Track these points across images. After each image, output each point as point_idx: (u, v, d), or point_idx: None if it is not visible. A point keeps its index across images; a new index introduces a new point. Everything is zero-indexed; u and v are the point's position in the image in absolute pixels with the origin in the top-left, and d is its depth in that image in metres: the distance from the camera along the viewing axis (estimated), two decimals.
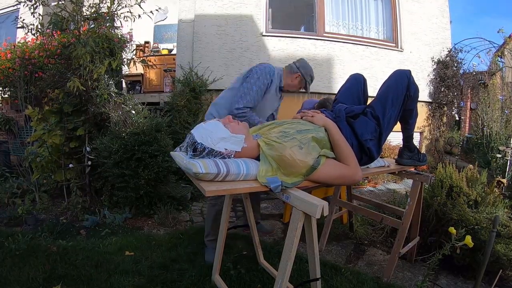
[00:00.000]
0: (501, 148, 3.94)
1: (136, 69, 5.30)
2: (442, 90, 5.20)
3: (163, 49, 6.46)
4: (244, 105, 1.87)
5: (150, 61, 5.06)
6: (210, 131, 1.16)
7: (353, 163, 1.26)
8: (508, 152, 3.71)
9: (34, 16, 2.63)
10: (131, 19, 2.81)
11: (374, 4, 5.16)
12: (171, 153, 1.36)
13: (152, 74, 5.96)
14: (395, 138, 4.45)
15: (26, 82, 3.58)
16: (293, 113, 1.55)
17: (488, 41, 5.20)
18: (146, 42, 6.47)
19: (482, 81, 5.81)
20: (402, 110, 1.51)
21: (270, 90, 1.99)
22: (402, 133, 1.77)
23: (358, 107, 1.53)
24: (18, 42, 4.09)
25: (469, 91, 6.15)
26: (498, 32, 4.83)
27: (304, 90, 2.16)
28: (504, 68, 5.44)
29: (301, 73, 2.07)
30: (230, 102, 1.95)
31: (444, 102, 5.25)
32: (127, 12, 2.78)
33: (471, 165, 2.30)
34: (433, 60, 5.31)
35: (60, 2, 2.65)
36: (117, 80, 3.75)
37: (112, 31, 3.11)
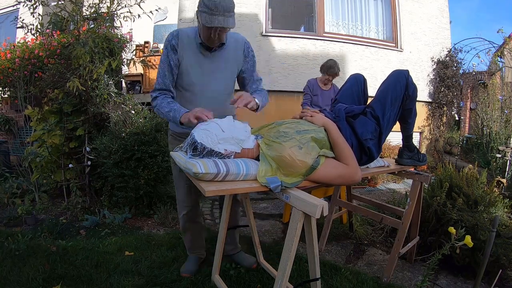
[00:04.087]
0: (500, 148, 3.94)
1: (136, 69, 5.29)
2: (442, 90, 5.20)
3: (162, 49, 6.45)
4: (152, 90, 1.52)
5: (150, 61, 5.06)
6: (210, 131, 1.16)
7: (352, 163, 1.26)
8: (508, 152, 3.71)
9: (33, 16, 2.63)
10: (130, 19, 2.81)
11: (374, 4, 5.16)
12: (171, 153, 1.36)
13: (152, 74, 5.95)
14: (395, 138, 4.45)
15: (25, 82, 3.58)
16: (293, 113, 1.54)
17: (488, 41, 5.20)
18: (146, 42, 6.46)
19: (482, 81, 5.81)
20: (401, 109, 1.52)
21: (185, 54, 1.50)
22: (402, 133, 1.77)
23: (357, 107, 1.53)
24: (18, 42, 4.09)
25: (468, 91, 6.16)
26: (498, 32, 4.83)
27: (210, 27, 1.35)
28: (503, 68, 5.45)
29: (197, 9, 1.38)
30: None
31: (444, 102, 5.25)
32: (127, 12, 2.78)
33: (470, 165, 2.31)
34: (432, 60, 5.31)
35: (59, 2, 2.65)
36: (117, 80, 3.74)
37: (112, 31, 3.11)
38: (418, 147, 4.91)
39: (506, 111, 4.77)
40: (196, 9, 1.38)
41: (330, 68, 3.13)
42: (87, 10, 2.79)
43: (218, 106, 1.53)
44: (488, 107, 5.03)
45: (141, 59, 3.35)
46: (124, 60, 3.21)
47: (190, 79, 1.53)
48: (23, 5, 2.63)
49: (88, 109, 2.76)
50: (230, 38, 1.55)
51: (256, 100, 1.46)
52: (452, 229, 1.15)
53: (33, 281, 1.63)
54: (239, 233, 2.03)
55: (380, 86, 1.56)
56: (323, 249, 2.21)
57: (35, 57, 3.71)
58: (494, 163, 3.98)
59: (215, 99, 1.55)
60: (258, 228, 2.51)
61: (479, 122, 5.24)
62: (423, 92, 5.24)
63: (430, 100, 5.33)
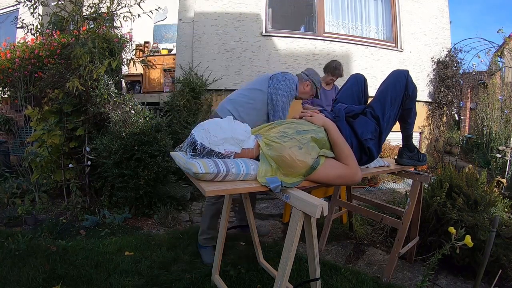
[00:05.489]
0: (500, 148, 3.94)
1: (136, 69, 5.30)
2: (442, 90, 5.20)
3: (162, 49, 6.46)
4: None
5: (149, 61, 5.06)
6: (210, 132, 1.16)
7: (352, 163, 1.26)
8: (508, 152, 3.72)
9: (33, 16, 2.63)
10: (130, 19, 2.80)
11: (374, 4, 5.16)
12: (171, 153, 1.36)
13: (151, 74, 5.96)
14: (395, 138, 4.45)
15: (25, 82, 3.58)
16: (292, 113, 1.55)
17: (488, 41, 5.20)
18: (146, 42, 6.46)
19: (482, 81, 5.81)
20: (401, 109, 1.52)
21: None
22: (402, 132, 1.77)
23: (357, 107, 1.53)
24: (18, 42, 4.08)
25: (468, 91, 6.15)
26: (498, 32, 4.83)
27: (315, 96, 2.25)
28: (503, 68, 5.45)
29: (311, 80, 2.15)
30: (248, 100, 2.00)
31: (443, 102, 5.25)
32: (127, 12, 2.78)
33: (470, 165, 2.31)
34: (432, 60, 5.31)
35: (59, 2, 2.65)
36: (117, 80, 3.74)
37: (112, 31, 3.11)
38: (418, 147, 4.91)
39: (506, 111, 4.77)
40: (308, 78, 2.16)
41: (335, 69, 3.14)
42: (87, 10, 2.79)
43: None
44: (488, 107, 5.03)
45: (141, 59, 3.35)
46: (124, 60, 3.20)
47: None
48: (23, 5, 2.63)
49: (88, 109, 2.76)
50: None
51: None
52: (452, 229, 1.15)
53: (33, 281, 1.63)
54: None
55: (379, 86, 1.56)
56: (323, 249, 2.21)
57: (35, 57, 3.71)
58: (494, 163, 3.98)
59: None
60: (258, 228, 2.51)
61: (479, 122, 5.24)
62: (423, 92, 5.24)
63: (430, 100, 5.33)
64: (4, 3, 5.63)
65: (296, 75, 2.17)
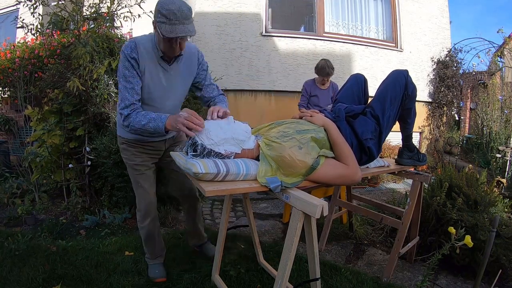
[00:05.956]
0: (500, 148, 3.95)
1: None
2: (442, 90, 5.20)
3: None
4: (121, 108, 1.39)
5: None
6: (211, 132, 1.16)
7: (352, 163, 1.26)
8: (508, 152, 3.72)
9: (34, 16, 2.63)
10: (131, 19, 2.81)
11: (373, 4, 5.16)
12: (171, 153, 1.37)
13: None
14: (394, 138, 4.45)
15: (25, 82, 3.57)
16: (293, 113, 1.55)
17: (488, 41, 5.21)
18: None
19: (482, 81, 5.82)
20: (400, 109, 1.52)
21: (145, 68, 1.43)
22: (401, 132, 1.77)
23: (357, 107, 1.53)
24: (18, 42, 4.09)
25: (468, 91, 6.16)
26: (498, 32, 4.84)
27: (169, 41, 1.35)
28: (503, 68, 5.45)
29: (154, 20, 1.32)
30: None
31: (443, 102, 5.25)
32: (127, 12, 2.78)
33: (470, 165, 2.31)
34: (432, 60, 5.31)
35: (60, 2, 2.64)
36: (117, 80, 3.74)
37: (112, 31, 3.11)
38: (418, 147, 4.91)
39: (506, 111, 4.77)
40: (153, 19, 1.33)
41: (322, 69, 3.10)
42: (87, 10, 2.78)
43: None
44: (488, 107, 5.04)
45: None
46: None
47: (151, 94, 1.48)
48: (23, 5, 2.63)
49: (88, 109, 2.75)
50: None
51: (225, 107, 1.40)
52: (452, 229, 1.15)
53: (33, 281, 1.63)
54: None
55: (379, 85, 1.56)
56: (323, 249, 2.21)
57: (35, 57, 3.71)
58: (494, 163, 3.98)
59: (171, 112, 1.48)
60: (258, 228, 2.51)
61: (479, 122, 5.25)
62: (423, 92, 5.24)
63: (430, 100, 5.33)
64: (4, 3, 5.63)
65: None
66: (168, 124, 1.28)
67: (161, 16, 1.26)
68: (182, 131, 1.18)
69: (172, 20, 1.25)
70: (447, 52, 5.33)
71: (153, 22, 1.33)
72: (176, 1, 1.27)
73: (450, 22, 5.55)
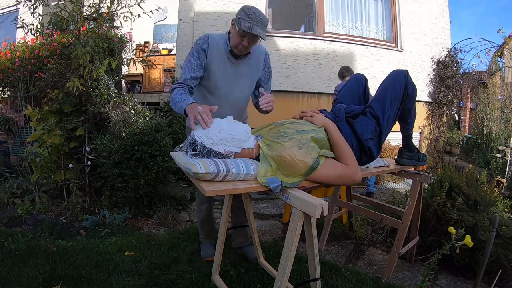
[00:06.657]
0: (500, 148, 3.95)
1: (136, 69, 5.30)
2: (442, 90, 5.20)
3: (162, 49, 6.46)
4: (175, 82, 1.56)
5: (150, 61, 5.07)
6: (211, 131, 1.16)
7: (352, 163, 1.26)
8: (508, 152, 3.72)
9: (34, 16, 2.63)
10: (131, 19, 2.81)
11: (373, 4, 5.16)
12: (171, 153, 1.36)
13: (152, 74, 5.96)
14: (394, 138, 4.45)
15: (25, 82, 3.58)
16: (293, 113, 1.55)
17: (488, 41, 5.21)
18: (146, 42, 6.47)
19: (482, 81, 5.82)
20: (400, 109, 1.52)
21: (213, 58, 1.57)
22: (401, 132, 1.77)
23: (357, 107, 1.53)
24: (18, 42, 4.09)
25: (468, 91, 6.16)
26: (498, 32, 4.84)
27: (246, 41, 1.49)
28: (503, 68, 5.45)
29: (235, 17, 1.49)
30: None
31: (443, 102, 5.25)
32: (127, 12, 2.78)
33: (470, 165, 2.31)
34: (432, 60, 5.31)
35: (60, 2, 2.65)
36: (117, 80, 3.75)
37: (112, 31, 3.11)
38: (418, 147, 4.91)
39: (506, 111, 4.78)
40: (234, 17, 1.49)
41: (340, 75, 3.53)
42: (87, 10, 2.79)
43: (238, 111, 1.67)
44: (488, 107, 5.04)
45: (141, 58, 3.35)
46: (124, 60, 3.21)
47: (216, 84, 1.62)
48: (23, 5, 2.63)
49: (88, 109, 2.76)
50: (254, 48, 1.62)
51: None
52: (452, 229, 1.15)
53: (33, 281, 1.63)
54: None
55: (379, 85, 1.56)
56: (323, 249, 2.21)
57: (35, 57, 3.71)
58: (494, 163, 3.98)
59: (235, 105, 1.67)
60: (258, 228, 2.51)
61: (479, 122, 5.25)
62: (423, 92, 5.24)
63: (430, 100, 5.33)
64: (4, 3, 5.63)
65: None
66: (187, 108, 1.33)
67: (244, 14, 1.44)
68: (190, 120, 1.21)
69: (252, 20, 1.42)
70: (447, 52, 5.33)
71: (232, 20, 1.52)
72: (259, 10, 1.47)
73: (450, 22, 5.55)
